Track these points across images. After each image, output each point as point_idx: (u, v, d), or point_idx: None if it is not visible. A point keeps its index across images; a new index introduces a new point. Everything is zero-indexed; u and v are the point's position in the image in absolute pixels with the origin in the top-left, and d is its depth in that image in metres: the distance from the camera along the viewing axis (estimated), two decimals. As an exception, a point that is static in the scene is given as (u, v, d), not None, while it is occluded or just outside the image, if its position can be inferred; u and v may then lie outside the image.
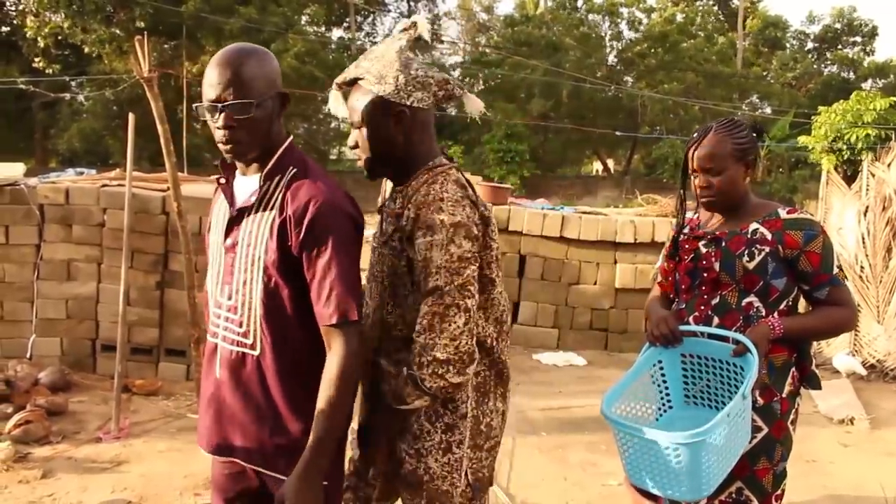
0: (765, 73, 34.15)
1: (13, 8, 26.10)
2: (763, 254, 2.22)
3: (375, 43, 33.85)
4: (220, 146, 1.87)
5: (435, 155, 2.07)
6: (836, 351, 6.87)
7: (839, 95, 9.99)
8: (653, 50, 30.91)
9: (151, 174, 6.63)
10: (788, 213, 2.27)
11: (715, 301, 2.30)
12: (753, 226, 2.27)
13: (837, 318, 2.25)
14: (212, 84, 1.82)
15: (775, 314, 2.24)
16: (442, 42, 38.94)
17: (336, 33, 33.39)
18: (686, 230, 2.45)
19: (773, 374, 2.24)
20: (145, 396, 5.38)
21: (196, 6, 22.45)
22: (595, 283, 7.45)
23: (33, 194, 5.75)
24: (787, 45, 36.27)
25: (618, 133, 26.76)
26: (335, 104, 2.14)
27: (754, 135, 2.32)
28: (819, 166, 7.98)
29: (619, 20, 32.98)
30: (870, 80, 33.94)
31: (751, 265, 2.23)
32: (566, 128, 29.46)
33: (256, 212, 1.89)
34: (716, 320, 2.29)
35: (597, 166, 38.37)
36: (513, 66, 28.51)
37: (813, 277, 2.22)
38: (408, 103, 1.99)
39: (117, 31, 23.19)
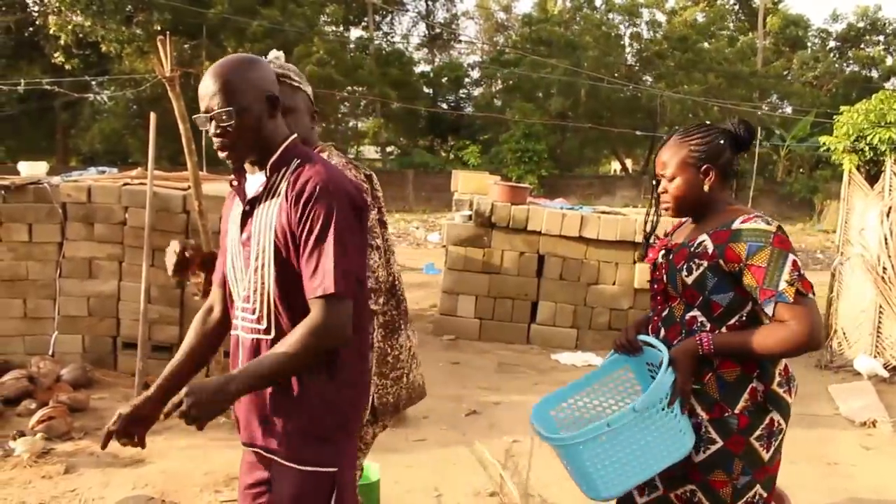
0: (785, 73, 33.87)
1: (36, 9, 26.38)
2: (701, 269, 2.13)
3: (394, 43, 34.10)
4: (218, 152, 1.98)
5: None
6: (857, 353, 6.81)
7: (862, 95, 9.89)
8: (672, 51, 30.76)
9: (172, 173, 6.68)
10: (743, 222, 2.11)
11: (665, 313, 2.26)
12: (701, 238, 2.17)
13: (777, 337, 2.05)
14: (202, 96, 1.94)
15: (723, 329, 2.14)
16: (460, 42, 39.00)
17: (354, 33, 33.50)
18: (662, 236, 2.42)
19: (724, 390, 2.14)
20: (165, 394, 5.41)
21: (223, 10, 22.60)
22: (614, 283, 7.43)
23: (56, 193, 5.81)
24: (809, 43, 35.93)
25: (637, 133, 26.62)
26: None
27: (721, 142, 2.20)
28: (841, 166, 7.90)
29: (638, 20, 32.85)
30: (893, 80, 33.58)
31: (689, 280, 2.15)
32: (584, 127, 29.39)
33: (264, 201, 1.98)
34: (662, 332, 2.25)
35: (615, 166, 38.25)
36: (531, 66, 28.48)
37: (758, 292, 2.07)
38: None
39: (137, 32, 23.38)
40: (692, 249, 2.16)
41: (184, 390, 1.75)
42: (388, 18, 35.65)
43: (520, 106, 28.07)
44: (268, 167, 1.97)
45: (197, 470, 4.19)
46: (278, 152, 1.98)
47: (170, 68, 4.45)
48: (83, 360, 5.70)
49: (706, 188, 2.19)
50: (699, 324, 2.16)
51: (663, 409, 2.03)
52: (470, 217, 7.51)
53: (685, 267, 2.15)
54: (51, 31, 22.79)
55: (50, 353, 5.77)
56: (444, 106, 33.92)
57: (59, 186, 5.86)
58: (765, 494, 2.19)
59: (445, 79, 33.78)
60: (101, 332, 5.87)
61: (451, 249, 7.47)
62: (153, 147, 5.10)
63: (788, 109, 33.11)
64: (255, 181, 2.03)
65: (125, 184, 5.94)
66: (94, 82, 26.24)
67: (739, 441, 2.13)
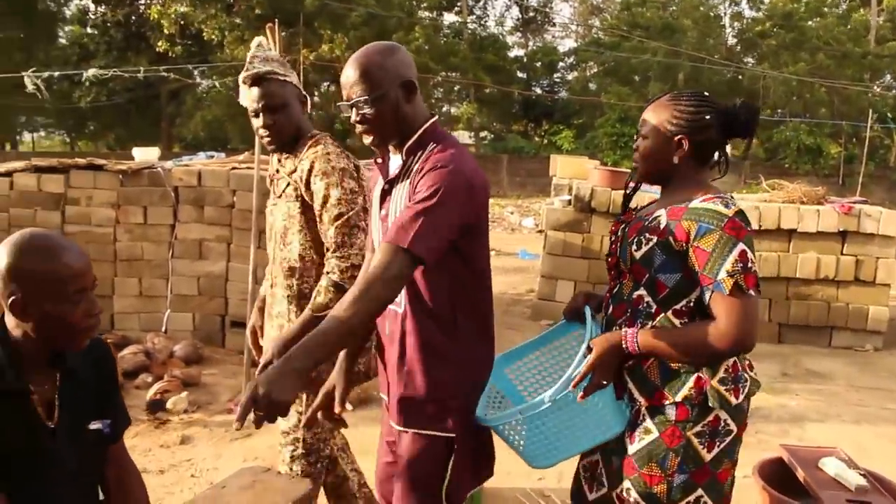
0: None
1: (143, 1, 27.51)
2: (651, 244, 1.99)
3: (487, 27, 33.99)
4: (362, 137, 2.07)
5: (311, 128, 2.70)
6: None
7: None
8: (775, 30, 29.60)
9: (277, 157, 6.84)
10: (702, 201, 1.96)
11: (616, 289, 2.14)
12: (658, 212, 2.04)
13: (702, 336, 1.91)
14: (343, 85, 2.04)
15: (669, 314, 2.00)
16: (554, 25, 38.58)
17: (448, 18, 33.59)
18: (635, 209, 2.29)
19: (666, 376, 1.99)
20: (271, 371, 5.58)
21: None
22: (716, 271, 7.23)
23: (169, 177, 6.06)
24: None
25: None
26: (245, 96, 2.60)
27: (707, 118, 2.03)
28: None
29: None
30: None
31: (637, 254, 2.02)
32: (682, 111, 28.62)
33: (400, 182, 2.05)
34: (610, 309, 2.14)
35: (713, 151, 37.20)
36: (630, 49, 27.95)
37: (699, 277, 1.93)
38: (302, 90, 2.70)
39: (237, 21, 24.05)
40: (646, 223, 2.04)
41: (253, 385, 1.70)
42: (481, 2, 35.58)
43: (616, 90, 27.60)
44: (404, 151, 2.04)
45: (303, 446, 4.30)
46: (415, 136, 2.04)
47: (279, 54, 4.56)
48: (193, 338, 5.94)
49: (675, 160, 2.05)
50: (645, 304, 2.03)
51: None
52: (569, 202, 7.44)
53: (636, 241, 2.03)
54: (152, 19, 23.71)
55: (163, 329, 6.04)
56: (538, 90, 33.65)
57: (171, 171, 6.11)
58: (710, 503, 2.00)
59: (539, 63, 33.51)
60: (210, 310, 6.10)
61: (550, 234, 7.42)
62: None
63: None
64: (395, 162, 2.10)
65: (233, 168, 6.15)
66: (196, 70, 27.16)
67: (676, 434, 1.97)
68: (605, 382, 1.98)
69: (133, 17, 27.88)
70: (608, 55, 29.36)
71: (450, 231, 1.91)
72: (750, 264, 1.90)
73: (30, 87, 9.44)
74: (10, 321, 1.75)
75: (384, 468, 2.30)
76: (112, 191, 6.05)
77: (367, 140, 2.07)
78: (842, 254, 6.96)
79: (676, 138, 2.04)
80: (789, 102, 28.97)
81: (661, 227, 1.99)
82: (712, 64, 28.14)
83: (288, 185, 2.62)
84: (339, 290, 2.43)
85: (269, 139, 2.61)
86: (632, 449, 2.02)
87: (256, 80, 2.55)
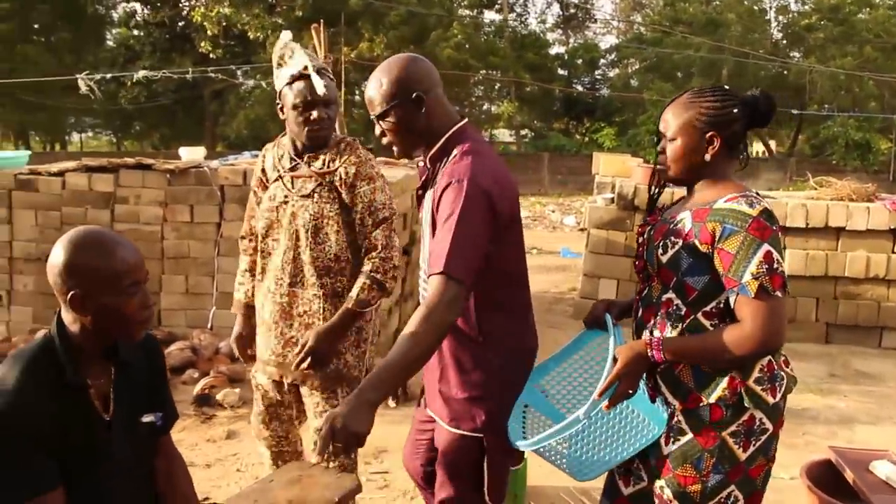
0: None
1: (187, 3, 27.95)
2: (676, 247, 1.97)
3: (526, 24, 33.87)
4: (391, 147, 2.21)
5: None
6: None
7: None
8: (822, 23, 28.98)
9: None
10: (726, 201, 1.92)
11: (645, 292, 2.12)
12: (683, 213, 2.01)
13: (728, 339, 1.88)
14: (367, 103, 2.16)
15: (699, 315, 1.98)
16: (595, 21, 38.30)
17: (488, 15, 33.55)
18: (660, 208, 2.26)
19: (699, 377, 1.97)
20: (315, 368, 5.63)
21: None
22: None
23: (214, 176, 6.14)
24: None
25: (794, 111, 25.10)
26: (300, 87, 2.59)
27: (735, 111, 1.99)
28: None
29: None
30: None
31: (664, 258, 1.99)
32: (726, 108, 28.18)
33: (429, 189, 2.17)
34: (640, 312, 2.12)
35: (758, 148, 36.60)
36: (673, 45, 27.63)
37: (724, 280, 1.90)
38: None
39: (279, 21, 24.32)
40: (671, 226, 2.02)
41: (330, 418, 1.79)
42: (521, 0, 35.46)
43: (658, 86, 27.28)
44: (428, 159, 2.14)
45: (347, 442, 4.33)
46: (438, 144, 2.12)
47: (324, 55, 4.61)
48: (238, 335, 6.00)
49: (707, 157, 2.00)
50: (675, 307, 2.01)
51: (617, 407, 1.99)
52: (612, 200, 7.38)
53: (661, 244, 2.01)
54: (195, 21, 24.08)
55: (209, 326, 6.12)
56: (579, 88, 33.45)
57: (217, 170, 6.20)
58: (741, 497, 1.99)
59: (580, 60, 33.29)
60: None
61: (593, 233, 7.37)
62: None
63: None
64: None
65: (277, 167, 6.21)
66: (239, 71, 27.51)
67: (711, 435, 1.96)
68: (630, 392, 1.98)
69: (177, 19, 28.34)
70: (650, 51, 29.04)
71: (477, 243, 1.98)
72: (776, 265, 1.87)
73: (83, 89, 9.69)
74: (67, 317, 1.80)
75: (413, 443, 2.49)
76: (160, 190, 6.16)
77: (395, 150, 2.19)
78: (893, 252, 6.81)
79: (708, 135, 2.00)
80: (837, 97, 28.30)
81: (686, 230, 1.97)
82: (757, 59, 27.64)
83: (320, 184, 2.64)
84: (381, 288, 2.58)
85: (319, 132, 2.62)
86: (667, 450, 2.02)
87: (318, 72, 2.59)
